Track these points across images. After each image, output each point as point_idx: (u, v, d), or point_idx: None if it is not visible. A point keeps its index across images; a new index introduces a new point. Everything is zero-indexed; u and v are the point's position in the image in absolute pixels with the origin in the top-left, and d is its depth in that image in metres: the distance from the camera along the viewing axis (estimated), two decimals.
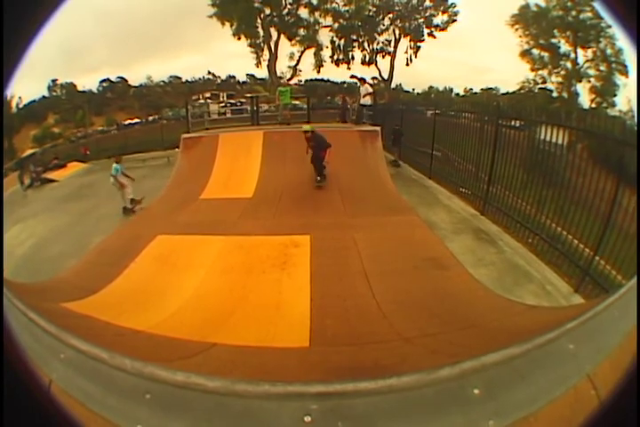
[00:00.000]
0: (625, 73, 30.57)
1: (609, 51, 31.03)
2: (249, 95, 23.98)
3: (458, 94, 37.67)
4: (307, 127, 9.97)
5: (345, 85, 37.22)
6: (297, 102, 19.54)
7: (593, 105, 30.28)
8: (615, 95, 30.52)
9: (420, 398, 1.56)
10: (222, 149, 11.91)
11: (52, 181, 23.38)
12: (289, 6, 34.09)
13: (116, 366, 1.72)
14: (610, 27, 30.81)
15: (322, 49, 34.29)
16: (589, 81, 31.64)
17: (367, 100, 14.63)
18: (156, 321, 4.66)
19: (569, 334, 1.91)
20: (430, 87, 37.23)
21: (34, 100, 48.52)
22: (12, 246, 10.00)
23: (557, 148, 7.75)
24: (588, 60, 31.70)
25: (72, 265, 7.02)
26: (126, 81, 55.19)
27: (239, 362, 3.56)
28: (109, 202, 12.12)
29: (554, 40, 31.89)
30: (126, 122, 41.24)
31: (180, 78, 55.36)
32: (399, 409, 1.53)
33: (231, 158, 11.38)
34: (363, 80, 15.55)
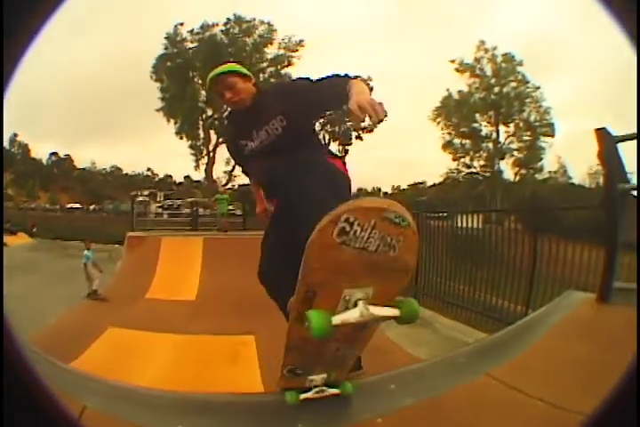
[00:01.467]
0: (551, 133, 32.46)
1: (533, 116, 33.17)
2: (189, 200, 24.60)
3: (386, 193, 39.67)
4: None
5: None
6: (231, 207, 20.26)
7: (518, 177, 32.15)
8: (541, 159, 32.17)
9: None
10: (165, 252, 12.36)
11: (2, 243, 22.38)
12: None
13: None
14: (537, 88, 32.90)
15: None
16: (512, 155, 33.73)
17: None
18: None
19: (463, 352, 2.55)
20: (359, 189, 39.15)
21: None
22: None
23: (474, 226, 8.71)
24: (509, 135, 33.92)
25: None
26: (72, 160, 54.68)
27: None
28: (55, 284, 12.46)
29: (475, 124, 34.26)
30: (69, 205, 42.35)
31: (120, 170, 55.72)
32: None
33: (173, 262, 11.76)
34: None
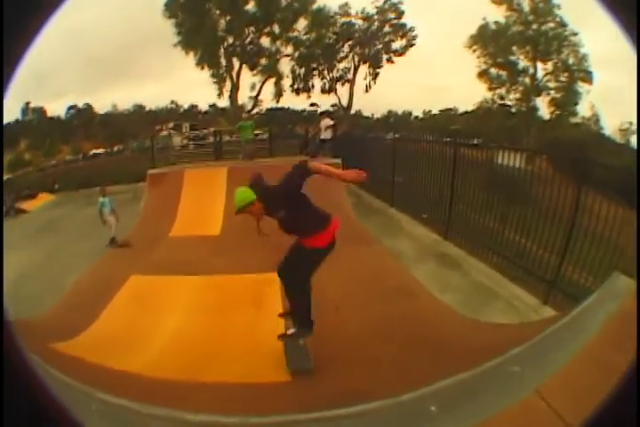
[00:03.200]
0: (588, 80, 31.20)
1: (571, 60, 31.72)
2: (212, 129, 24.17)
3: (417, 117, 38.56)
4: (240, 201, 4.67)
5: (305, 113, 37.82)
6: (259, 132, 19.77)
7: (553, 116, 31.13)
8: (576, 104, 31.14)
9: (386, 420, 1.80)
10: (187, 186, 11.99)
11: (23, 211, 22.97)
12: (251, 35, 34.62)
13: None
14: (575, 34, 31.61)
15: (282, 78, 34.67)
16: (549, 93, 32.42)
17: (328, 134, 14.94)
18: (143, 362, 4.76)
19: (514, 358, 2.20)
20: (389, 111, 38.05)
21: (8, 123, 47.63)
22: None
23: (515, 166, 8.06)
24: (547, 73, 32.47)
25: (51, 305, 6.99)
26: (92, 108, 54.32)
27: (231, 399, 3.72)
28: (79, 238, 11.93)
29: (512, 57, 32.63)
30: (92, 152, 40.91)
31: (143, 107, 54.99)
32: None
33: (197, 195, 11.45)
34: (322, 114, 15.90)
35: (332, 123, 15.19)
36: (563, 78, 31.53)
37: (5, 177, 40.71)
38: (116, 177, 22.32)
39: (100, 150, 41.18)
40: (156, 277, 7.39)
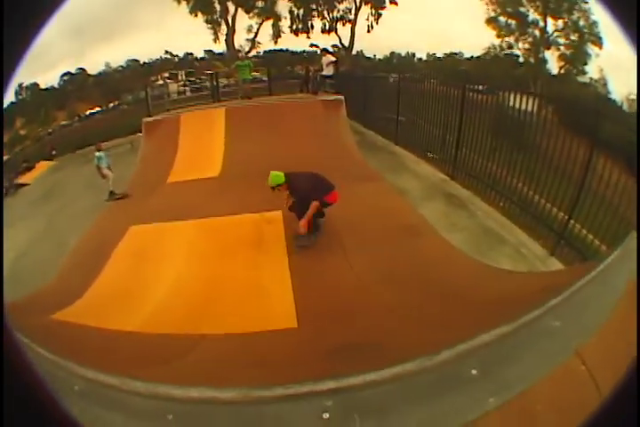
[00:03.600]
0: (598, 44, 30.43)
1: (582, 22, 30.86)
2: (208, 72, 23.53)
3: (420, 59, 37.45)
4: (273, 180, 5.96)
5: (305, 54, 36.53)
6: (256, 74, 19.06)
7: (562, 71, 30.43)
8: (586, 63, 30.51)
9: (425, 382, 1.64)
10: (185, 130, 11.54)
11: (23, 185, 22.34)
12: None
13: (130, 392, 1.73)
14: (585, 2, 30.56)
15: (280, 20, 33.32)
16: (559, 49, 31.62)
17: (330, 71, 14.32)
18: (142, 319, 4.66)
19: (554, 311, 2.02)
20: (392, 53, 36.92)
21: (5, 108, 46.77)
22: None
23: (525, 112, 7.67)
24: (557, 30, 31.63)
25: (56, 271, 6.82)
26: (86, 71, 53.00)
27: (234, 352, 3.62)
28: (79, 198, 11.74)
29: (522, 8, 31.68)
30: (87, 112, 41.12)
31: (137, 61, 53.51)
32: (407, 395, 1.60)
33: (194, 138, 11.04)
34: (325, 50, 15.25)
35: (333, 59, 14.54)
36: (573, 37, 30.77)
37: (6, 158, 40.49)
38: (112, 132, 21.95)
39: (96, 109, 40.88)
40: (155, 225, 7.21)
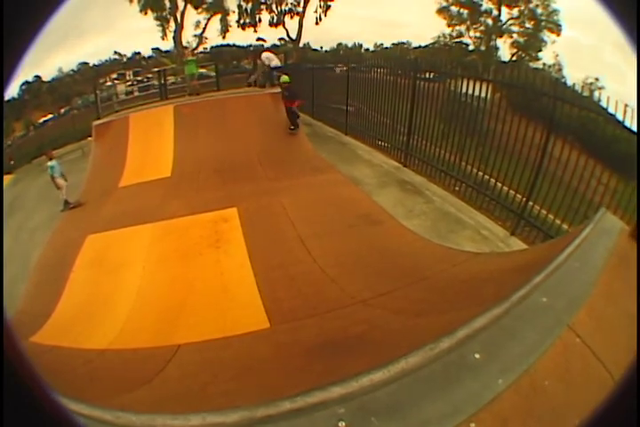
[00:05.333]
0: (556, 31, 31.24)
1: (539, 10, 31.56)
2: (155, 69, 23.12)
3: (368, 50, 38.00)
4: (286, 78, 10.78)
5: (252, 49, 36.29)
6: (203, 71, 18.86)
7: (514, 58, 31.20)
8: (540, 50, 31.32)
9: (432, 374, 1.61)
10: (134, 131, 11.22)
11: None
12: None
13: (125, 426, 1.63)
14: None
15: (228, 14, 33.48)
16: (511, 36, 32.49)
17: (277, 62, 14.30)
18: (114, 335, 4.51)
19: (540, 288, 2.04)
20: (339, 44, 37.41)
21: None
22: None
23: (474, 99, 7.66)
24: (512, 18, 32.43)
25: (23, 291, 6.48)
26: (41, 78, 50.67)
27: (214, 361, 3.51)
28: (37, 210, 11.18)
29: None
30: (41, 120, 39.32)
31: (87, 64, 51.75)
32: (419, 389, 1.57)
33: (144, 139, 10.78)
34: (266, 49, 15.45)
35: (272, 55, 14.63)
36: (528, 25, 31.59)
37: None
38: (63, 139, 21.43)
39: (49, 116, 39.20)
40: (112, 233, 7.00)
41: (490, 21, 32.97)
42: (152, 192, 8.42)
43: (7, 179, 22.65)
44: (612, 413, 0.76)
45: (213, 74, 19.30)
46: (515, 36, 32.22)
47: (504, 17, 32.98)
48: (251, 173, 8.52)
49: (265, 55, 14.49)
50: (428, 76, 9.15)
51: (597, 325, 1.89)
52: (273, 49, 17.58)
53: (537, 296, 1.99)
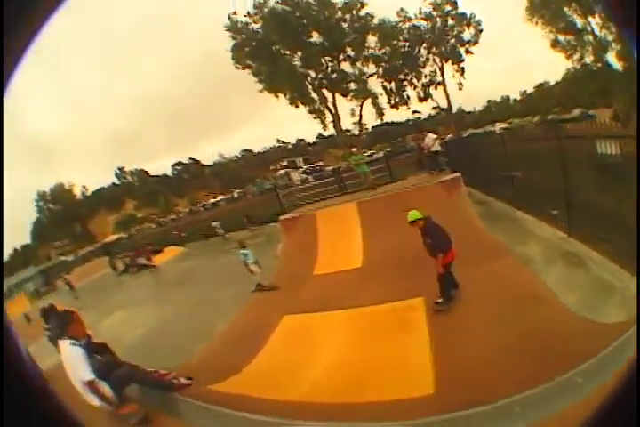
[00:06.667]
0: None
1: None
2: (329, 168, 24.99)
3: (515, 100, 36.99)
4: (413, 215, 7.38)
5: (410, 122, 37.98)
6: (373, 151, 19.89)
7: (624, 70, 27.98)
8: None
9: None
10: (322, 226, 12.88)
11: (148, 266, 24.55)
12: (330, 64, 36.09)
13: None
14: None
15: (377, 97, 35.91)
16: (612, 47, 29.58)
17: (437, 146, 15.13)
18: (302, 391, 5.50)
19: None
20: (488, 101, 37.26)
21: (103, 188, 54.63)
22: (120, 333, 10.77)
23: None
24: (601, 27, 29.70)
25: (201, 349, 7.98)
26: (198, 162, 57.13)
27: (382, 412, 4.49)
28: (220, 287, 12.82)
29: (568, 19, 30.45)
30: (212, 201, 43.22)
31: (251, 151, 58.53)
32: None
33: (333, 233, 12.29)
34: (424, 132, 16.25)
35: (434, 136, 15.52)
36: (612, 29, 28.61)
37: (115, 237, 44.84)
38: (240, 222, 23.31)
39: (219, 198, 42.83)
40: (308, 315, 8.21)
41: (591, 38, 29.77)
42: (344, 280, 9.59)
43: (176, 251, 26.03)
44: (612, 413, 0.75)
45: (381, 154, 20.64)
46: (613, 45, 28.40)
47: (596, 29, 29.53)
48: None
49: (427, 140, 15.35)
50: (571, 116, 8.43)
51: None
52: (429, 123, 18.43)
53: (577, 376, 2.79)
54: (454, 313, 6.89)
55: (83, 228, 61.50)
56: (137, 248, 31.75)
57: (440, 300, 7.21)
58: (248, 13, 36.81)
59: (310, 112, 37.20)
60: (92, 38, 54.61)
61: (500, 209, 12.65)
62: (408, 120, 38.27)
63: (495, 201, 13.29)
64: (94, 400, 5.00)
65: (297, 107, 37.87)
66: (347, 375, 5.85)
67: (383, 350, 6.36)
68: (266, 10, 36.47)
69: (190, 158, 63.97)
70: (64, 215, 60.93)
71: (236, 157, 61.05)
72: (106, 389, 5.09)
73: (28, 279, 42.40)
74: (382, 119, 36.82)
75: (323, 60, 35.99)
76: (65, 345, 5.22)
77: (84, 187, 65.34)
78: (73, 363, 5.09)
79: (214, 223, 20.80)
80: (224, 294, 12.05)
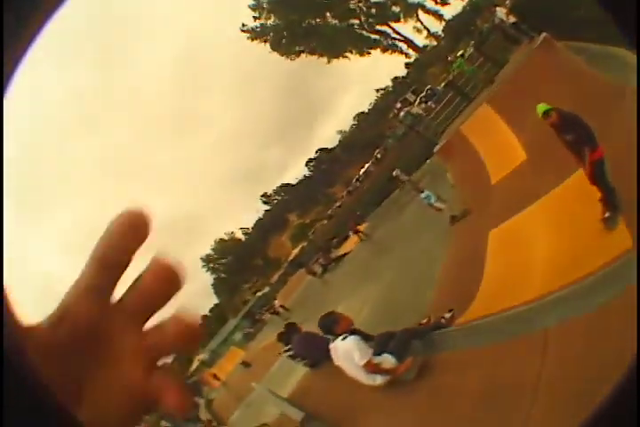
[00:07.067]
0: None
1: None
2: (441, 85, 25.09)
3: None
4: (541, 108, 6.21)
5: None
6: (461, 52, 20.53)
7: None
8: None
9: None
10: (472, 138, 12.60)
11: (344, 255, 26.07)
12: (359, 4, 36.97)
13: None
14: None
15: (424, 5, 38.47)
16: None
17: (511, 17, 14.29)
18: (537, 287, 5.54)
19: None
20: None
21: (260, 218, 68.30)
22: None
23: None
24: None
25: (432, 296, 8.25)
26: (325, 148, 68.29)
27: None
28: (421, 237, 12.54)
29: None
30: (361, 172, 42.77)
31: (362, 112, 62.54)
32: None
33: (485, 139, 12.07)
34: (490, 13, 16.60)
35: (503, 9, 14.98)
36: None
37: (298, 249, 51.01)
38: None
39: (366, 166, 42.04)
40: (508, 222, 8.07)
41: None
42: (521, 177, 9.44)
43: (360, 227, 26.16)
44: (611, 413, 0.61)
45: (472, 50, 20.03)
46: None
47: None
48: None
49: (499, 15, 14.80)
50: None
51: None
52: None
53: None
54: None
55: (264, 259, 67.42)
56: (322, 247, 34.26)
57: (607, 215, 5.42)
58: (254, 18, 38.92)
59: (384, 51, 36.39)
60: None
61: (598, 51, 11.26)
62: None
63: (591, 45, 11.87)
64: (373, 380, 5.41)
65: (369, 54, 37.41)
66: (566, 257, 5.73)
67: (588, 223, 5.91)
68: (265, 5, 37.87)
69: (318, 150, 67.18)
70: (239, 260, 67.81)
71: (353, 125, 62.29)
72: (385, 360, 5.40)
73: (232, 332, 46.65)
74: (444, 19, 36.69)
75: (352, 6, 35.99)
76: (337, 344, 5.60)
77: (244, 228, 72.55)
78: (351, 354, 5.37)
79: (395, 172, 20.06)
80: (426, 239, 12.05)
